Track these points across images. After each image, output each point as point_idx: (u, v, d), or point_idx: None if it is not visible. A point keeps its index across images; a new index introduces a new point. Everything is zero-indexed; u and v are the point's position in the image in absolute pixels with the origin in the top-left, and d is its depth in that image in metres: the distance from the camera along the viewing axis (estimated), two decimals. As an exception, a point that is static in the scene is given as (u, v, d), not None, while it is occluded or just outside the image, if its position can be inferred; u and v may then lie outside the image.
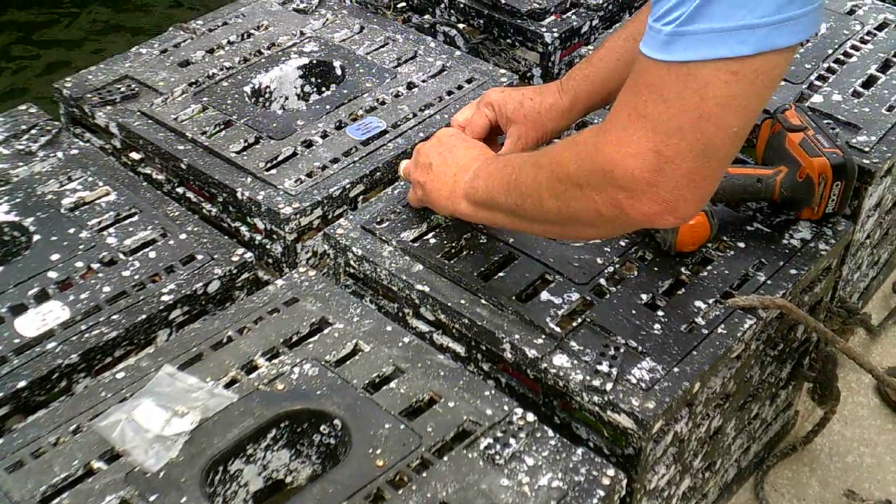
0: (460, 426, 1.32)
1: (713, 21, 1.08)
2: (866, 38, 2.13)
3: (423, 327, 1.55)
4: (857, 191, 1.81)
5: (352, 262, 1.59)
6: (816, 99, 1.93)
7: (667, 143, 1.15)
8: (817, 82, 1.98)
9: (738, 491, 1.81)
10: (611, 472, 1.27)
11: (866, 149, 1.82)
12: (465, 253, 1.57)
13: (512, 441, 1.29)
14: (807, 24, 1.10)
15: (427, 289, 1.52)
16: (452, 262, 1.55)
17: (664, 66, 1.12)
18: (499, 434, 1.30)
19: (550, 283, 1.53)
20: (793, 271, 1.57)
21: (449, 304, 1.49)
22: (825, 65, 2.03)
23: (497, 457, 1.27)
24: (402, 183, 1.69)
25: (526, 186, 1.38)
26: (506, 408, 1.34)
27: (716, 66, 1.10)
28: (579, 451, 1.30)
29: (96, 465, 1.26)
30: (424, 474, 1.26)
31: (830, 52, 2.06)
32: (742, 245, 1.61)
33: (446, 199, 1.53)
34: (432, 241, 1.59)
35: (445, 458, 1.28)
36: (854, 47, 2.09)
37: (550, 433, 1.32)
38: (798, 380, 1.80)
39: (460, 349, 1.51)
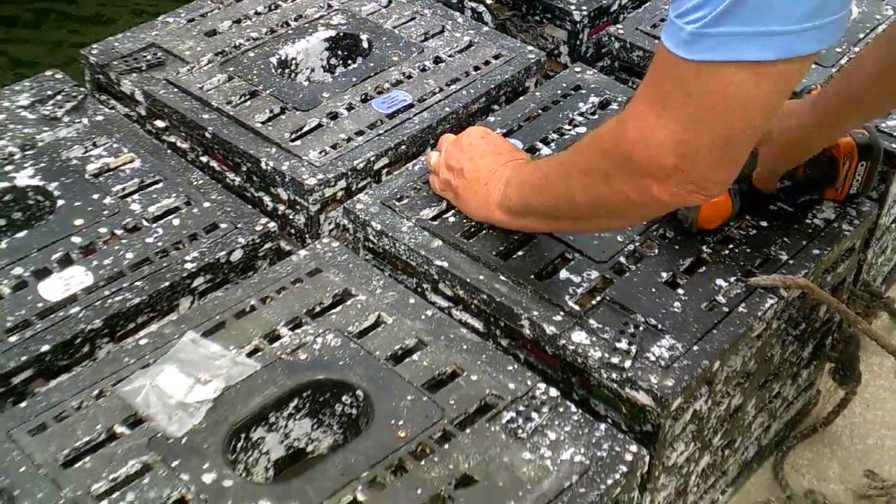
0: (483, 399, 1.32)
1: (737, 25, 1.06)
2: (896, 21, 2.11)
3: (442, 303, 1.55)
4: (885, 174, 1.80)
5: (371, 237, 1.59)
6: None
7: (689, 133, 1.16)
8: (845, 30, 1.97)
9: (758, 469, 1.82)
10: (633, 448, 1.28)
11: (895, 133, 1.81)
12: (483, 232, 1.57)
13: (535, 415, 1.30)
14: (832, 32, 1.09)
15: (446, 264, 1.52)
16: (471, 241, 1.55)
17: (685, 63, 1.11)
18: (521, 408, 1.31)
19: (570, 262, 1.52)
20: (815, 251, 1.57)
21: (468, 279, 1.49)
22: (856, 49, 2.01)
23: (519, 430, 1.28)
24: (423, 158, 1.69)
25: (556, 186, 1.39)
26: (529, 382, 1.34)
27: (738, 67, 1.09)
28: (602, 426, 1.30)
29: (119, 429, 1.27)
30: (446, 446, 1.26)
31: (862, 35, 2.05)
32: (765, 224, 1.61)
33: (480, 207, 1.54)
34: (451, 219, 1.59)
35: (468, 431, 1.28)
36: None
37: (573, 408, 1.32)
38: (820, 360, 1.80)
39: (479, 325, 1.51)
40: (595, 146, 1.31)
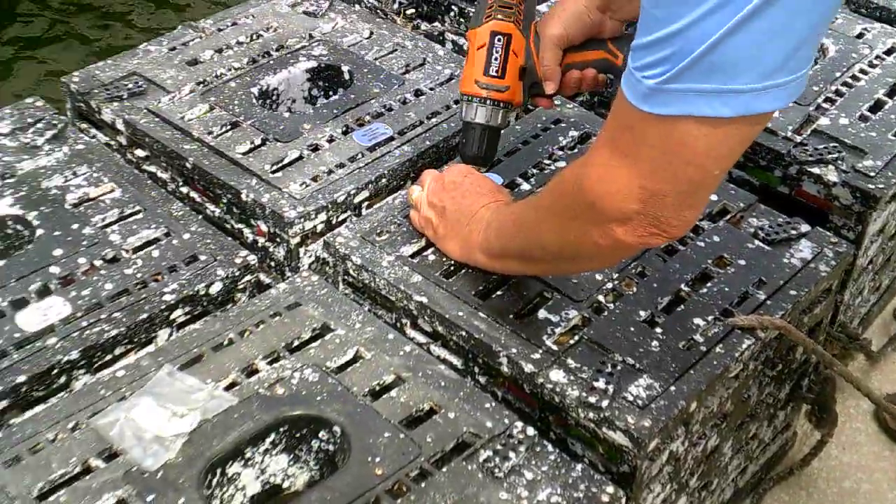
0: (460, 437, 1.32)
1: (696, 82, 1.07)
2: (875, 62, 2.13)
3: (421, 338, 1.55)
4: (861, 215, 1.81)
5: (350, 271, 1.59)
6: (823, 122, 1.93)
7: (650, 180, 1.16)
8: (824, 105, 1.99)
9: (734, 511, 1.82)
10: (610, 489, 1.28)
11: (872, 174, 1.82)
12: (463, 271, 1.57)
13: (511, 454, 1.30)
14: (791, 91, 1.09)
15: (425, 300, 1.52)
16: (451, 280, 1.56)
17: (645, 114, 1.12)
18: (498, 447, 1.31)
19: (549, 301, 1.53)
20: (793, 292, 1.58)
21: (447, 315, 1.50)
22: (833, 87, 2.03)
23: (496, 470, 1.28)
24: (403, 192, 1.70)
25: (528, 229, 1.41)
26: (506, 421, 1.34)
27: (697, 121, 1.10)
28: (579, 466, 1.30)
29: (94, 462, 1.27)
30: (423, 484, 1.26)
31: (838, 74, 2.06)
32: (742, 262, 1.61)
33: (461, 248, 1.55)
34: (431, 257, 1.59)
35: (444, 469, 1.28)
36: (862, 71, 2.09)
37: (550, 448, 1.32)
38: (796, 401, 1.81)
39: (457, 362, 1.51)
40: (559, 191, 1.33)
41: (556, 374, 1.41)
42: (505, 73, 1.63)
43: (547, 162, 1.79)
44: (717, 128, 1.10)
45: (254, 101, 1.92)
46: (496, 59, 1.62)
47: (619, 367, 1.42)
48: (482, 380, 1.50)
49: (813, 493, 1.87)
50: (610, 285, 1.56)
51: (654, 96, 1.10)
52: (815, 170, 1.84)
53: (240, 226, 1.76)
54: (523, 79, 1.65)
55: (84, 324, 1.47)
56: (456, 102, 1.94)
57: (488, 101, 1.65)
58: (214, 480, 1.29)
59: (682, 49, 1.06)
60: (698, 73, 1.06)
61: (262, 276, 1.69)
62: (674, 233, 1.22)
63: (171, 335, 1.53)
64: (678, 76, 1.07)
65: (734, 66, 1.05)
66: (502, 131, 1.72)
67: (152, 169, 1.86)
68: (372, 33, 2.15)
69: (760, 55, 1.05)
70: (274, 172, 1.75)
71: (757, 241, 1.66)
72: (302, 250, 1.70)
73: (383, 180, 1.77)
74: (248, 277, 1.60)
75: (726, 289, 1.57)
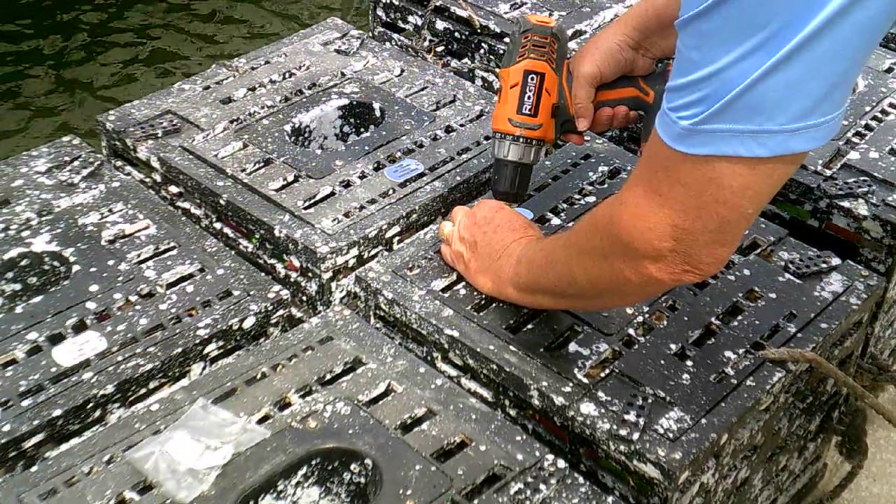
0: (491, 470, 1.33)
1: (731, 123, 1.08)
2: (903, 96, 2.13)
3: (452, 371, 1.56)
4: (892, 249, 1.81)
5: (382, 305, 1.61)
6: (853, 156, 1.93)
7: (684, 219, 1.17)
8: (854, 139, 1.99)
9: (764, 543, 1.81)
10: (640, 521, 1.28)
11: (903, 206, 1.83)
12: (493, 305, 1.58)
13: (542, 487, 1.30)
14: (826, 131, 1.10)
15: (456, 333, 1.53)
16: (481, 314, 1.57)
17: (680, 155, 1.13)
18: (529, 479, 1.31)
19: (579, 334, 1.54)
20: (823, 325, 1.58)
21: (478, 349, 1.51)
22: (863, 122, 2.03)
23: (527, 502, 1.28)
24: (434, 227, 1.71)
25: (560, 265, 1.42)
26: (537, 453, 1.35)
27: (732, 161, 1.10)
28: (609, 499, 1.30)
29: (128, 495, 1.28)
30: (454, 517, 1.27)
31: (868, 109, 2.07)
32: (773, 296, 1.62)
33: (492, 282, 1.57)
34: (462, 291, 1.61)
35: (476, 502, 1.29)
36: (892, 105, 2.09)
37: (581, 480, 1.33)
38: (827, 433, 1.80)
39: (488, 395, 1.52)
40: (592, 228, 1.34)
41: (587, 407, 1.42)
42: (538, 111, 1.64)
43: (577, 197, 1.80)
44: (751, 168, 1.11)
45: (286, 138, 1.94)
46: (529, 97, 1.63)
47: (649, 400, 1.42)
48: (513, 413, 1.50)
49: (843, 524, 1.87)
50: (640, 318, 1.56)
51: (689, 137, 1.11)
52: (846, 203, 1.84)
53: (272, 261, 1.78)
54: (555, 116, 1.66)
55: (119, 358, 1.49)
56: (486, 139, 1.95)
57: (521, 139, 1.66)
58: (248, 513, 1.30)
59: (718, 91, 1.07)
60: (733, 114, 1.07)
61: (295, 311, 1.71)
62: (707, 270, 1.23)
63: (204, 369, 1.55)
64: (713, 117, 1.08)
65: (769, 108, 1.06)
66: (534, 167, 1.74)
67: (186, 205, 1.88)
68: (403, 71, 2.17)
69: (795, 97, 1.06)
70: (306, 208, 1.76)
71: (787, 275, 1.66)
72: (334, 285, 1.71)
73: (414, 215, 1.79)
74: (280, 312, 1.61)
75: (757, 322, 1.57)
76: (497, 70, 2.31)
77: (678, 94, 1.11)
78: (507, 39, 1.62)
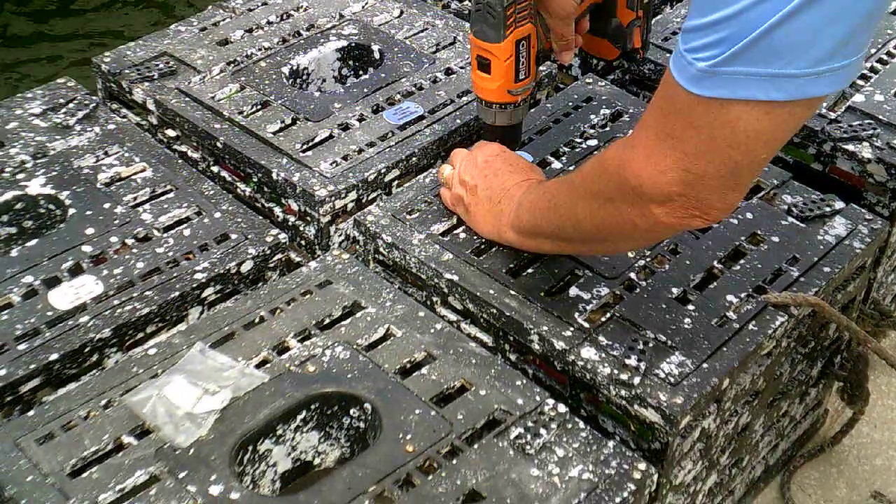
0: (491, 415, 1.32)
1: (750, 66, 1.06)
2: (909, 38, 2.11)
3: (451, 316, 1.54)
4: (896, 192, 1.80)
5: (381, 249, 1.59)
6: (858, 98, 1.91)
7: (695, 163, 1.16)
8: (859, 81, 1.96)
9: (764, 489, 1.81)
10: (642, 466, 1.28)
11: (905, 148, 1.81)
12: (494, 249, 1.57)
13: (543, 431, 1.29)
14: (846, 75, 1.08)
15: (456, 277, 1.52)
16: (481, 258, 1.55)
17: (694, 97, 1.11)
18: (530, 424, 1.31)
19: (580, 279, 1.52)
20: (826, 269, 1.57)
21: (478, 293, 1.49)
22: (868, 64, 2.01)
23: (527, 447, 1.27)
24: (434, 171, 1.70)
25: (564, 209, 1.40)
26: (537, 398, 1.34)
27: (748, 105, 1.09)
28: (610, 443, 1.30)
29: (126, 439, 1.27)
30: (454, 461, 1.26)
31: (874, 51, 2.04)
32: (776, 239, 1.60)
33: (492, 226, 1.55)
34: (462, 235, 1.59)
35: (475, 446, 1.28)
36: (897, 47, 2.08)
37: (581, 425, 1.32)
38: (828, 378, 1.80)
39: (488, 339, 1.51)
40: (600, 171, 1.32)
41: (588, 352, 1.41)
42: (531, 70, 1.62)
43: (578, 140, 1.78)
44: (768, 112, 1.09)
45: (284, 80, 1.92)
46: (523, 63, 1.61)
47: (650, 345, 1.41)
48: (513, 357, 1.49)
49: (844, 470, 1.87)
50: (642, 262, 1.55)
51: (706, 79, 1.09)
52: (850, 146, 1.83)
53: (270, 204, 1.76)
54: (539, 62, 1.64)
55: (116, 302, 1.48)
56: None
57: (520, 102, 1.64)
58: (246, 457, 1.29)
59: (737, 32, 1.05)
60: (753, 57, 1.05)
61: (293, 255, 1.70)
62: (716, 216, 1.21)
63: (202, 313, 1.54)
64: (732, 59, 1.06)
65: (789, 51, 1.04)
66: (532, 110, 1.72)
67: (183, 148, 1.86)
68: (402, 12, 2.14)
69: (816, 40, 1.04)
70: (304, 151, 1.75)
71: (790, 218, 1.64)
72: (332, 229, 1.70)
73: (414, 159, 1.77)
74: (278, 256, 1.60)
75: (759, 266, 1.56)
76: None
77: (695, 35, 1.09)
78: (490, 15, 1.57)
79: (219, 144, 1.78)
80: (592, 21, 1.68)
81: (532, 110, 1.86)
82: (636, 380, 1.36)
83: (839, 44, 1.04)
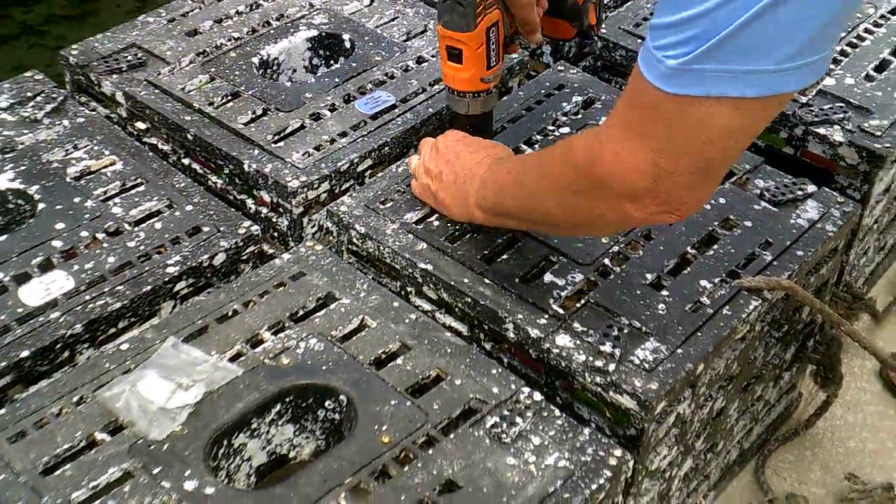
0: (466, 404, 1.32)
1: (721, 63, 1.05)
2: (879, 21, 2.12)
3: (426, 306, 1.54)
4: (867, 175, 1.80)
5: (355, 240, 1.59)
6: (829, 82, 1.92)
7: (665, 159, 1.15)
8: (830, 65, 1.97)
9: (739, 473, 1.81)
10: (618, 452, 1.27)
11: (878, 133, 1.81)
12: (467, 236, 1.56)
13: (518, 420, 1.29)
14: (816, 69, 1.08)
15: (430, 267, 1.51)
16: (455, 245, 1.55)
17: (664, 94, 1.11)
18: (505, 412, 1.30)
19: (554, 265, 1.52)
20: (799, 252, 1.57)
21: (452, 282, 1.49)
22: (838, 47, 2.01)
23: (503, 435, 1.27)
24: (406, 160, 1.69)
25: (531, 194, 1.39)
26: (513, 386, 1.34)
27: (719, 101, 1.08)
28: (586, 431, 1.30)
29: (99, 436, 1.26)
30: (430, 451, 1.26)
31: (844, 35, 2.05)
32: (749, 224, 1.61)
33: (460, 207, 1.54)
34: (435, 223, 1.59)
35: (451, 436, 1.28)
36: (867, 31, 2.08)
37: (557, 412, 1.32)
38: (802, 362, 1.80)
39: (463, 328, 1.51)
40: (568, 163, 1.31)
41: (563, 339, 1.41)
42: (500, 56, 1.62)
43: (551, 128, 1.78)
44: (739, 108, 1.09)
45: (254, 71, 1.91)
46: (494, 49, 1.60)
47: (625, 331, 1.41)
48: (488, 346, 1.49)
49: (818, 452, 1.88)
50: (616, 248, 1.55)
51: (676, 76, 1.08)
52: (821, 130, 1.83)
53: (242, 196, 1.75)
54: (507, 47, 1.64)
55: (87, 297, 1.47)
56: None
57: (492, 89, 1.64)
58: (220, 452, 1.28)
59: (708, 30, 1.04)
60: (723, 54, 1.05)
61: (266, 247, 1.69)
62: (685, 211, 1.21)
63: (174, 307, 1.53)
64: (702, 57, 1.06)
65: (760, 48, 1.04)
66: (505, 98, 1.71)
67: (153, 141, 1.85)
68: (372, 1, 2.13)
69: (787, 37, 1.03)
70: (276, 142, 1.74)
71: (763, 203, 1.65)
72: (305, 220, 1.69)
73: (386, 148, 1.76)
74: (251, 248, 1.59)
75: (733, 250, 1.56)
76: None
77: (664, 32, 1.08)
78: (460, 5, 1.56)
79: (189, 136, 1.76)
80: (549, 1, 1.68)
81: (504, 98, 1.85)
82: (611, 366, 1.36)
83: (810, 40, 1.04)
